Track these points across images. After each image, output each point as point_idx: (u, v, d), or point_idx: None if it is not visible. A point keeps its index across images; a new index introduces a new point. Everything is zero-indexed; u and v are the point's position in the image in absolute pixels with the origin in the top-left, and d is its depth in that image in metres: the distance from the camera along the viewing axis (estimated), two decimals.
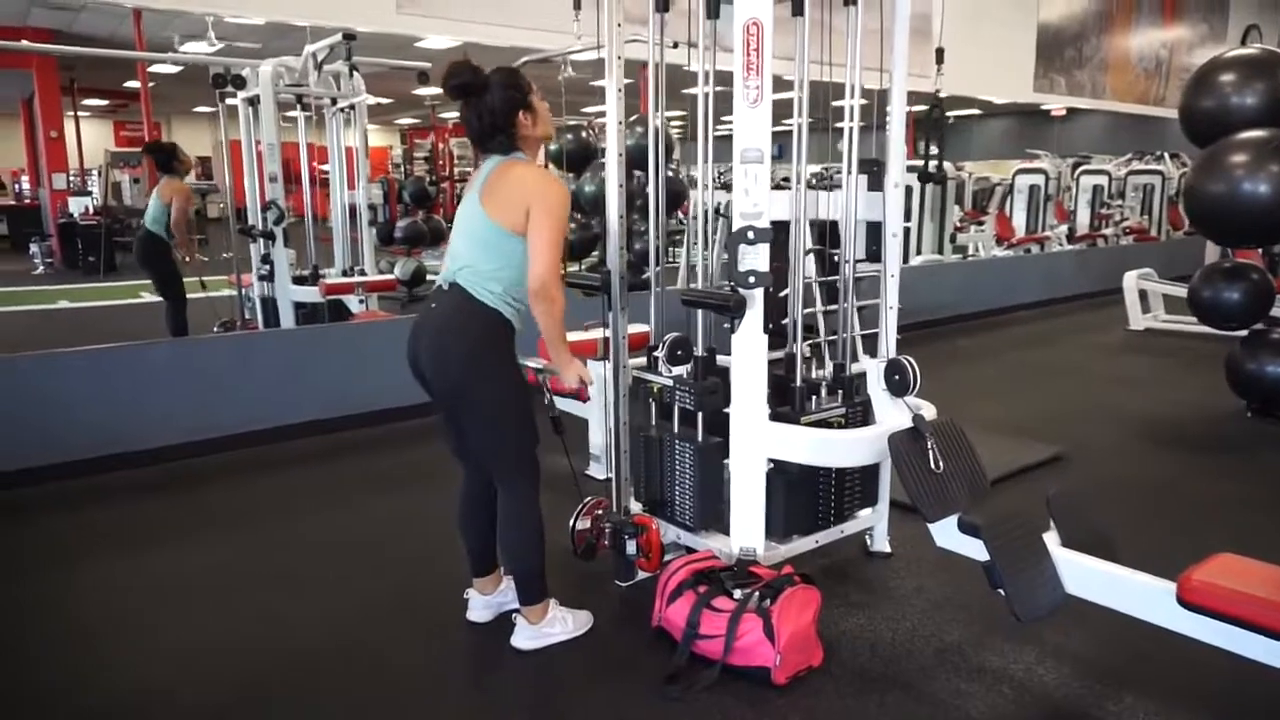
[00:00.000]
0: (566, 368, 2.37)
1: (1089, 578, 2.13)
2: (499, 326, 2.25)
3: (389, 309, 6.92)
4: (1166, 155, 11.73)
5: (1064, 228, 10.49)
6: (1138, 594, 2.04)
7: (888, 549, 3.01)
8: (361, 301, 5.73)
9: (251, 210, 5.67)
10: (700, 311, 2.76)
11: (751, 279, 2.41)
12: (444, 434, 2.46)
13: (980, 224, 10.85)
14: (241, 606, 2.72)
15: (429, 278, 8.87)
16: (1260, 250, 6.22)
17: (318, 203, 5.98)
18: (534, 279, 2.19)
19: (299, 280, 5.68)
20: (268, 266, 5.54)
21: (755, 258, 2.41)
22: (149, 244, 5.47)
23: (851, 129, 2.69)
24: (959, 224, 10.54)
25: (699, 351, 2.78)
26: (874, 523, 2.99)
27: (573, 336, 2.49)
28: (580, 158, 7.06)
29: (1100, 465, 3.98)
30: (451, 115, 14.39)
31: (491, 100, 2.23)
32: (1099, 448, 4.22)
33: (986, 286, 8.10)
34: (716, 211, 3.59)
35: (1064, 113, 12.08)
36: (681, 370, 2.77)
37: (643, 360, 2.88)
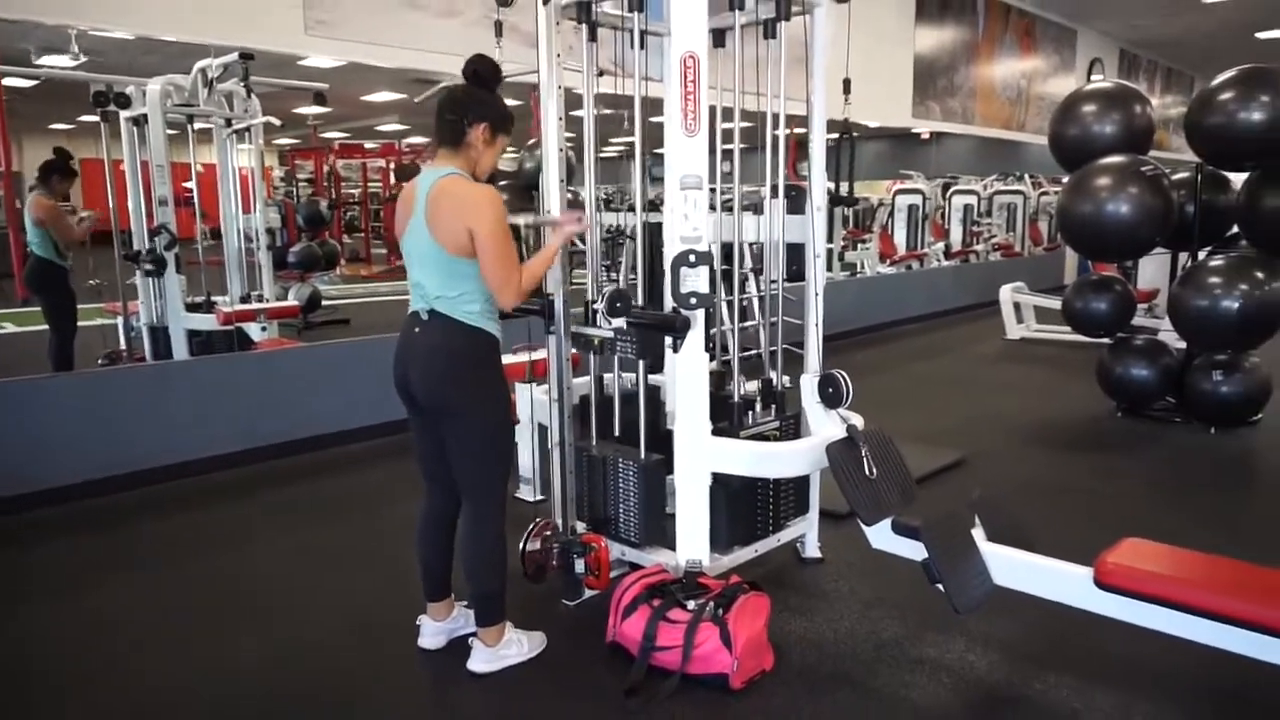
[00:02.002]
0: (560, 227, 2.50)
1: (1014, 568, 2.32)
2: (487, 343, 2.30)
3: (287, 335, 6.69)
4: (1027, 176, 12.68)
5: (941, 245, 11.16)
6: (1058, 580, 2.23)
7: (819, 555, 3.15)
8: (263, 329, 5.53)
9: (137, 235, 5.40)
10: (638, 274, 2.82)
11: (693, 299, 2.51)
12: (420, 448, 2.45)
13: (864, 242, 11.43)
14: (176, 649, 2.59)
15: (324, 303, 8.64)
16: (1117, 264, 6.84)
17: (183, 224, 5.69)
18: (504, 305, 2.27)
19: (192, 307, 5.43)
20: (159, 294, 5.28)
21: (696, 279, 2.51)
22: (41, 270, 5.07)
23: (773, 154, 2.85)
24: (844, 242, 11.07)
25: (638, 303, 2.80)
26: (805, 530, 3.13)
27: (504, 360, 2.51)
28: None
29: (997, 466, 4.28)
30: (334, 135, 14.07)
31: (474, 95, 2.29)
32: (993, 451, 4.53)
33: (877, 302, 8.53)
34: (619, 231, 3.69)
35: (928, 136, 12.86)
36: (621, 322, 2.70)
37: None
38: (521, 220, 2.62)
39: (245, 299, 5.73)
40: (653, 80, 2.80)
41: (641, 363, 2.85)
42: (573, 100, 2.74)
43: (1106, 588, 2.08)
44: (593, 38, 2.76)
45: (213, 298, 5.61)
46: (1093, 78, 11.70)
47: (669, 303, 2.53)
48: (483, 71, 2.32)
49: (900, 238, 11.45)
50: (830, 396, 2.67)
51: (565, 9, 2.71)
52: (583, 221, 2.56)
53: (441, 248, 2.21)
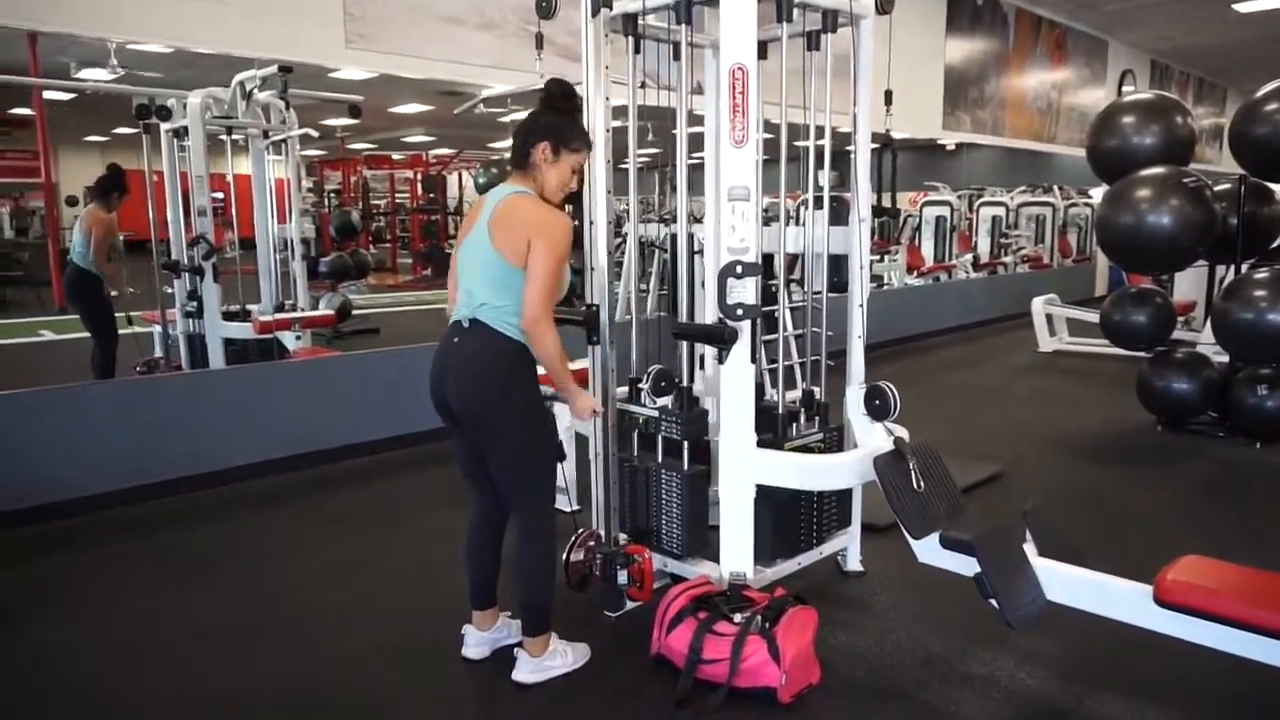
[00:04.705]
0: (575, 399, 2.42)
1: (1069, 584, 2.28)
2: (524, 357, 2.30)
3: (318, 345, 6.74)
4: (1055, 188, 12.57)
5: (969, 256, 11.08)
6: (1116, 597, 2.20)
7: (860, 568, 3.12)
8: (298, 338, 5.58)
9: (175, 244, 5.48)
10: (684, 344, 2.84)
11: (740, 311, 2.50)
12: (460, 460, 2.46)
13: (891, 254, 11.36)
14: (214, 661, 2.59)
15: (354, 312, 8.70)
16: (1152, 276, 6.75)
17: (218, 235, 5.75)
18: (525, 312, 2.24)
19: (229, 316, 5.50)
20: (195, 303, 5.35)
21: (743, 291, 2.50)
22: (78, 279, 5.18)
23: (817, 166, 2.84)
24: (872, 255, 11.01)
25: (682, 382, 2.85)
26: (847, 543, 3.10)
27: (544, 370, 2.52)
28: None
29: (1037, 480, 4.23)
30: (361, 147, 14.21)
31: (538, 117, 2.35)
32: (1032, 464, 4.48)
33: (906, 314, 8.48)
34: (652, 244, 3.70)
35: (954, 147, 12.79)
36: (666, 401, 2.84)
37: (623, 390, 2.92)
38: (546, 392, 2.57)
39: (280, 308, 5.79)
40: (691, 93, 2.81)
41: (687, 368, 2.86)
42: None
43: (1167, 605, 2.04)
44: (638, 50, 2.78)
45: (247, 306, 5.67)
46: (1124, 89, 11.60)
47: (703, 314, 2.53)
48: (554, 93, 2.38)
49: (928, 249, 11.38)
50: (877, 409, 2.66)
51: (610, 21, 2.72)
52: (596, 412, 2.51)
53: (499, 255, 2.23)
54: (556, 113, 2.37)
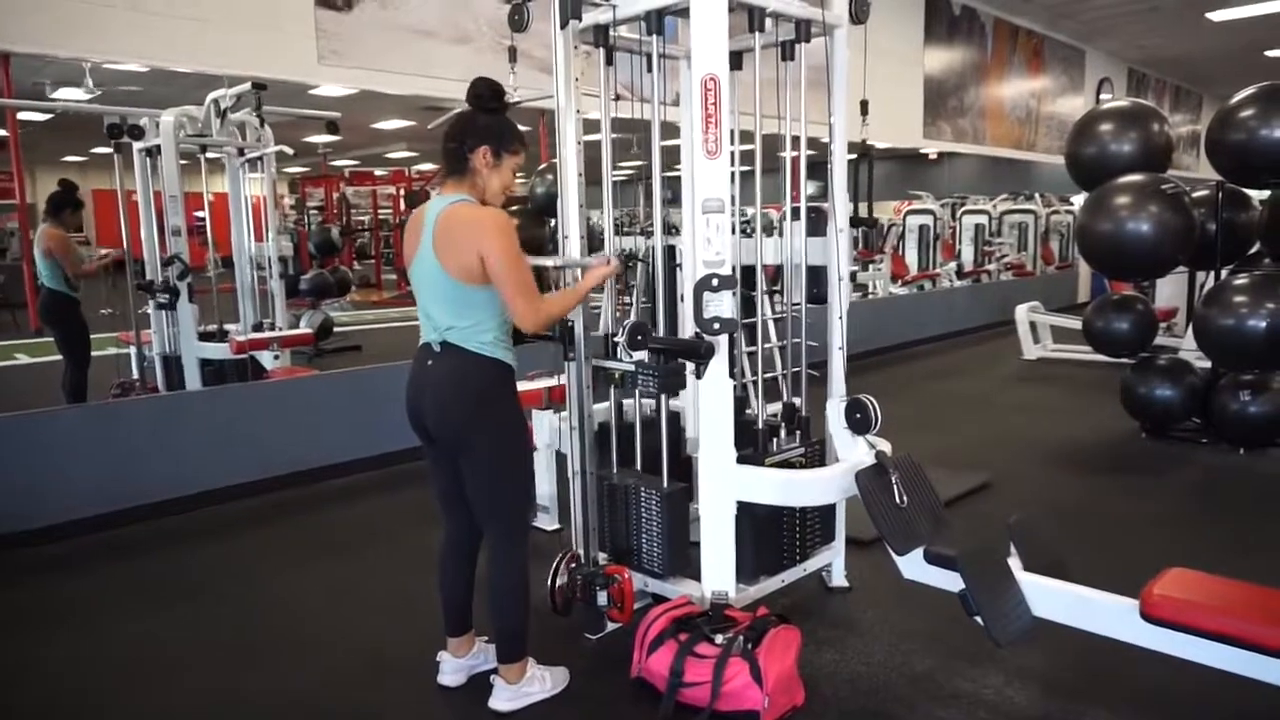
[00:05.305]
0: (590, 276, 2.47)
1: (1055, 599, 2.24)
2: (501, 372, 2.25)
3: (298, 364, 6.66)
4: (1037, 195, 12.64)
5: (953, 265, 11.11)
6: (1102, 612, 2.15)
7: (846, 583, 3.07)
8: (276, 357, 5.50)
9: (150, 264, 5.40)
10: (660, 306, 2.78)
11: (717, 325, 2.46)
12: (435, 481, 2.40)
13: (875, 263, 11.38)
14: (193, 687, 2.52)
15: (335, 329, 8.62)
16: (1134, 283, 6.77)
17: (195, 253, 5.68)
18: (523, 326, 2.22)
19: (206, 336, 5.42)
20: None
21: (719, 304, 2.46)
22: (51, 302, 5.08)
23: (794, 177, 2.81)
24: (854, 265, 11.02)
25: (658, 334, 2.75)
26: (832, 559, 3.05)
27: (521, 386, 2.47)
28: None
29: (1023, 489, 4.20)
30: (344, 163, 14.16)
31: (473, 120, 2.25)
32: (1018, 473, 4.45)
33: (890, 323, 8.47)
34: (631, 255, 3.66)
35: (936, 156, 12.86)
36: (642, 355, 2.64)
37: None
38: (550, 263, 2.60)
39: (258, 327, 5.71)
40: (665, 104, 2.77)
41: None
42: (583, 125, 2.71)
43: (1154, 620, 2.00)
44: (610, 61, 2.74)
45: (224, 326, 5.59)
46: (1102, 97, 11.69)
47: (684, 327, 2.48)
48: (484, 93, 2.26)
49: (911, 258, 11.40)
50: (858, 422, 2.61)
51: (582, 33, 2.68)
52: (612, 265, 2.55)
53: (451, 277, 2.16)
54: (489, 113, 2.27)
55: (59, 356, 5.26)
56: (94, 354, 5.36)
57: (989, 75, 9.54)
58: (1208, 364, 4.85)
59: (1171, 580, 2.08)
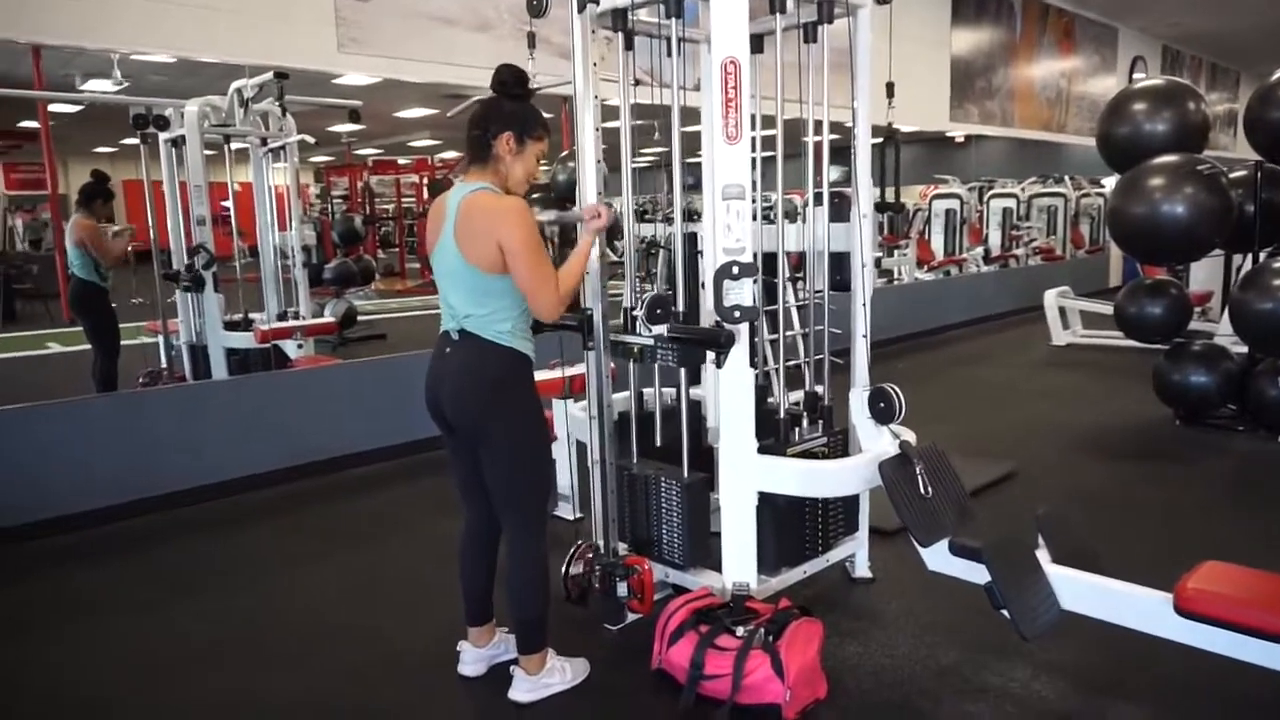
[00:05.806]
0: (589, 227, 2.38)
1: (1085, 592, 2.19)
2: (518, 362, 2.23)
3: (322, 353, 6.70)
4: (1067, 178, 12.40)
5: (980, 249, 10.94)
6: (1134, 606, 2.10)
7: (869, 574, 3.03)
8: (300, 346, 5.53)
9: (176, 254, 5.44)
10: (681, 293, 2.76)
11: (737, 313, 2.42)
12: (455, 470, 2.40)
13: (900, 248, 11.23)
14: (214, 682, 2.53)
15: (359, 318, 8.67)
16: (1167, 267, 6.61)
17: (220, 242, 5.71)
18: (544, 316, 2.20)
19: (231, 326, 5.45)
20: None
21: (740, 292, 2.42)
22: (82, 291, 5.14)
23: (817, 162, 2.75)
24: (880, 251, 10.88)
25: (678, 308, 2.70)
26: (855, 549, 3.01)
27: (539, 375, 2.44)
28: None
29: (1052, 479, 4.12)
30: (368, 152, 14.20)
31: (496, 106, 2.22)
32: (1046, 462, 4.37)
33: (916, 309, 8.36)
34: (653, 242, 3.61)
35: (963, 139, 12.65)
36: (661, 329, 2.59)
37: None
38: (543, 218, 2.53)
39: (282, 316, 5.75)
40: (686, 89, 2.72)
41: (683, 377, 2.77)
42: (604, 111, 2.67)
43: (1188, 615, 1.94)
44: (629, 46, 2.70)
45: (250, 315, 5.63)
46: (1135, 76, 11.41)
47: (704, 313, 2.44)
48: (508, 80, 2.24)
49: (938, 243, 11.24)
50: (882, 412, 2.57)
51: (600, 17, 2.64)
52: (606, 214, 2.40)
53: (472, 266, 2.15)
54: (513, 100, 2.25)
55: (89, 346, 5.33)
56: (123, 343, 5.43)
57: (1018, 55, 9.35)
58: (1244, 349, 4.74)
59: (1206, 573, 2.02)
